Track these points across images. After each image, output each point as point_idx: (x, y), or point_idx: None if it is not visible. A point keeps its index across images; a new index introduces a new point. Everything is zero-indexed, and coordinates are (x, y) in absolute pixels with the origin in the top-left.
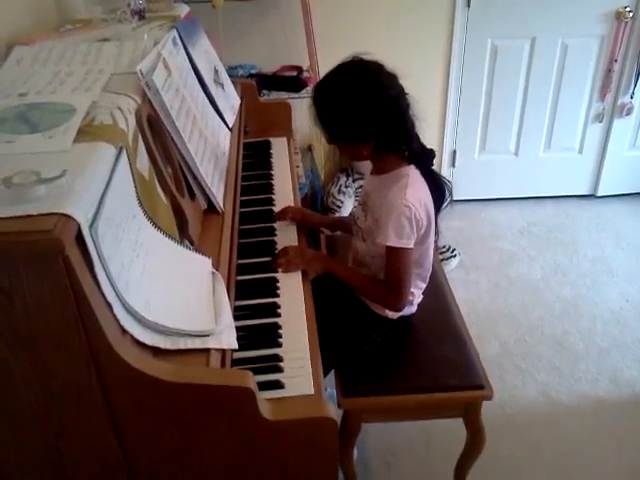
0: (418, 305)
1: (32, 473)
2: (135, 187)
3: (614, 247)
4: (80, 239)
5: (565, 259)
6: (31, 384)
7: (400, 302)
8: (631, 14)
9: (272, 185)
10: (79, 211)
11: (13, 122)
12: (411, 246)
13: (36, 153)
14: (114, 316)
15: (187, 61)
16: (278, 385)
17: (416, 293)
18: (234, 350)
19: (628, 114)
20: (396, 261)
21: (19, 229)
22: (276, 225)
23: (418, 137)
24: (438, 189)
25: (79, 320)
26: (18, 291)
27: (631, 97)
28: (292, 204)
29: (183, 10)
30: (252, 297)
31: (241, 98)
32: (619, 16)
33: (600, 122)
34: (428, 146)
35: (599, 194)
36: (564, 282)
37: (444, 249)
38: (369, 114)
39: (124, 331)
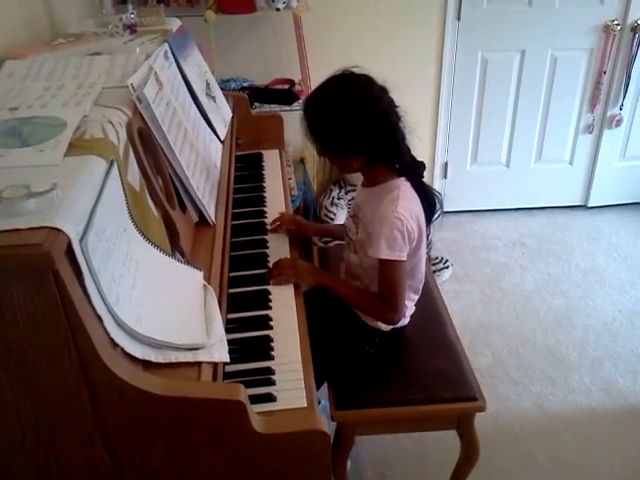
0: (411, 316)
1: None
2: (126, 200)
3: (606, 258)
4: (70, 253)
5: (557, 270)
6: (21, 397)
7: (395, 315)
8: (619, 27)
9: (264, 197)
10: (69, 225)
11: (4, 136)
12: (404, 258)
13: (26, 167)
14: (105, 330)
15: (179, 74)
16: (270, 398)
17: (408, 305)
18: (226, 363)
19: (617, 125)
20: (390, 274)
21: (9, 243)
22: (268, 237)
23: (409, 149)
24: (429, 201)
25: (69, 334)
26: (8, 305)
27: (620, 108)
28: (285, 212)
29: (175, 24)
30: (244, 310)
31: (233, 111)
32: (607, 29)
33: (590, 133)
34: (419, 158)
35: (590, 205)
36: (556, 293)
37: (436, 260)
38: (359, 127)
39: (115, 345)
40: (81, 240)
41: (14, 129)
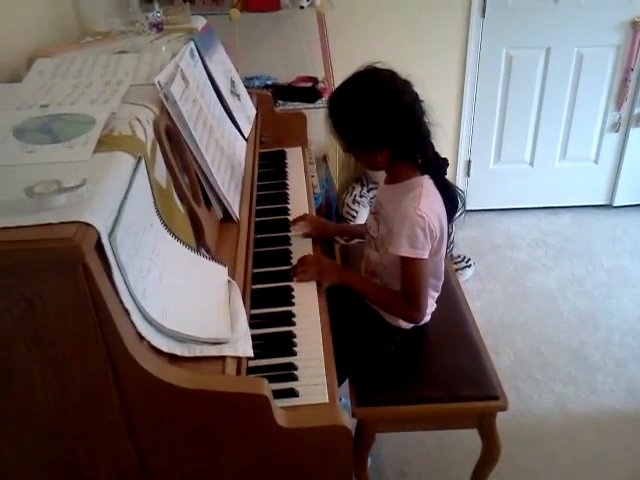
0: (432, 314)
1: (50, 475)
2: (153, 196)
3: (631, 257)
4: (99, 247)
5: (581, 269)
6: (51, 389)
7: (418, 314)
8: None
9: (287, 195)
10: (99, 220)
11: (35, 133)
12: (426, 256)
13: (57, 163)
14: (132, 323)
15: (204, 72)
16: (293, 393)
17: (430, 303)
18: (249, 358)
19: None
20: (412, 272)
21: (40, 237)
22: (291, 234)
23: (432, 146)
24: (451, 199)
25: (98, 327)
26: (39, 298)
27: None
28: (307, 213)
29: (200, 22)
30: (267, 306)
31: (257, 108)
32: (635, 25)
33: (616, 132)
34: (442, 155)
35: (615, 204)
36: (580, 292)
37: (459, 259)
38: (384, 120)
39: (141, 338)
40: (110, 235)
41: (45, 126)
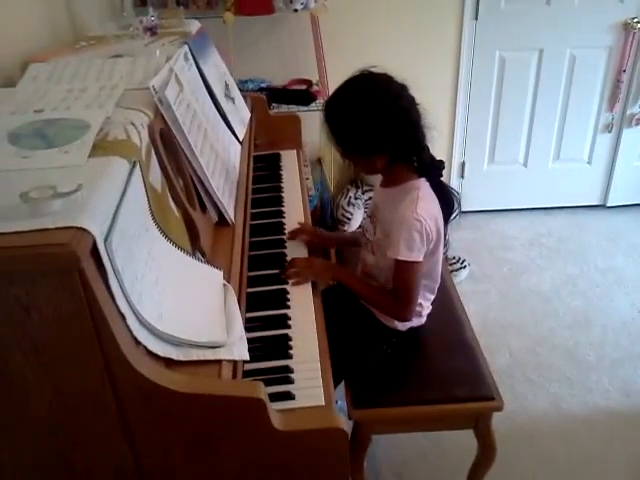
0: (427, 316)
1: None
2: (148, 200)
3: (625, 257)
4: (95, 252)
5: (575, 270)
6: (47, 394)
7: (407, 313)
8: (639, 25)
9: (282, 198)
10: (94, 225)
11: (30, 138)
12: (421, 259)
13: (52, 168)
14: (128, 328)
15: (198, 76)
16: (289, 396)
17: (425, 304)
18: (245, 361)
19: (637, 124)
20: (405, 273)
21: (36, 242)
22: (286, 237)
23: (428, 148)
24: (446, 200)
25: (94, 332)
26: (35, 303)
27: None
28: (302, 216)
29: (194, 26)
30: (263, 309)
31: (251, 111)
32: (627, 27)
33: (609, 132)
34: (437, 157)
35: (609, 204)
36: (574, 293)
37: (454, 260)
38: (380, 125)
39: (137, 342)
40: (105, 240)
41: (39, 131)
